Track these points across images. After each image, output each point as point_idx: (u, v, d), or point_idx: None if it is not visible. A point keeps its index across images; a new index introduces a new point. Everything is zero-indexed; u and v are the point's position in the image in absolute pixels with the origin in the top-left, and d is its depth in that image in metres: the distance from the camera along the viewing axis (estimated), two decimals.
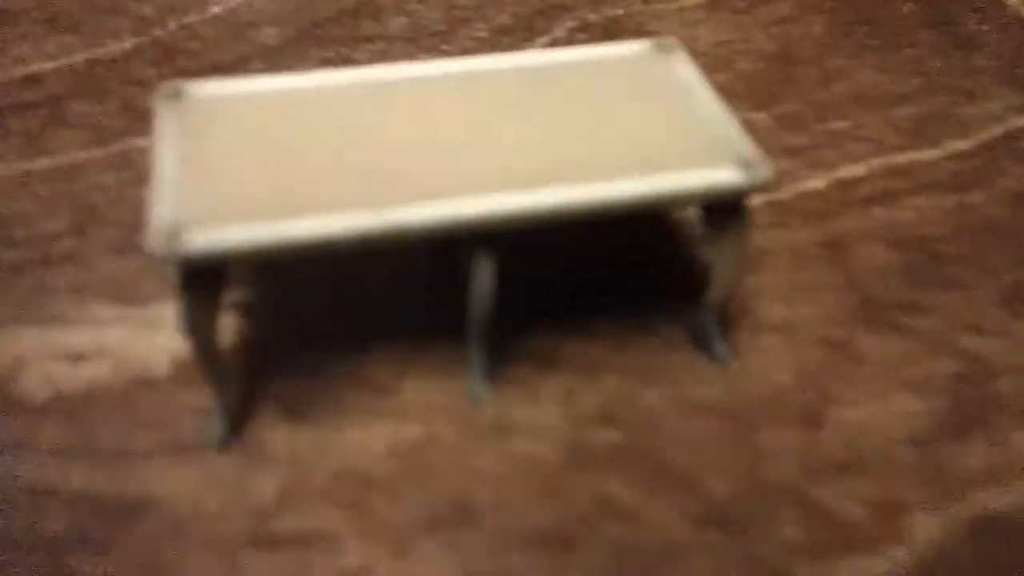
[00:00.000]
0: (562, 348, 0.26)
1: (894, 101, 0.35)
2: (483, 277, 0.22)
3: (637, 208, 0.22)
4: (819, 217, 0.30)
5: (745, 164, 0.22)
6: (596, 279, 0.27)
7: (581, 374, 0.25)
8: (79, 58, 0.37)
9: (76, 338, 0.26)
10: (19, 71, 0.36)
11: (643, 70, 0.25)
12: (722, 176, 0.22)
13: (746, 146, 0.23)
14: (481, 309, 0.23)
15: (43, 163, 0.32)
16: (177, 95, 0.23)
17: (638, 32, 0.39)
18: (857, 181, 0.31)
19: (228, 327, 0.26)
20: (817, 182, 0.31)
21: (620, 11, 0.41)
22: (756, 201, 0.29)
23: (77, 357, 0.25)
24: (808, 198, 0.31)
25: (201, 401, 0.24)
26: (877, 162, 0.32)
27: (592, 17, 0.40)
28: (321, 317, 0.26)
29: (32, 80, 0.36)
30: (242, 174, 0.21)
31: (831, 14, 0.41)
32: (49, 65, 0.37)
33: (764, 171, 0.22)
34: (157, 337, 0.26)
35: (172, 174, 0.21)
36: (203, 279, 0.20)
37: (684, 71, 0.25)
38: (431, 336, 0.26)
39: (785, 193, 0.31)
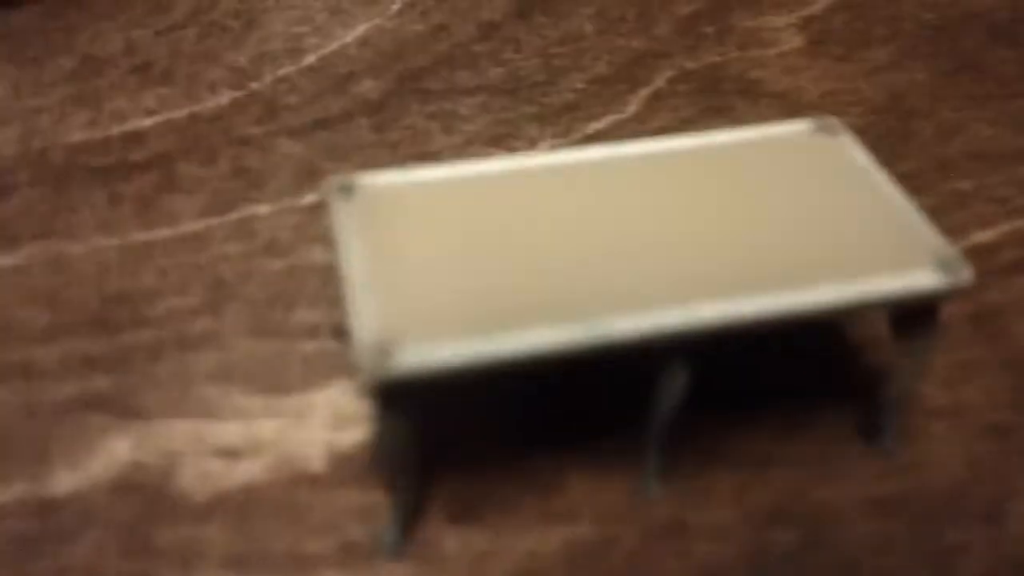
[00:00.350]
0: (728, 441, 0.25)
1: (1014, 157, 0.35)
2: (675, 387, 0.21)
3: (836, 315, 0.21)
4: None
5: (944, 265, 0.21)
6: (757, 370, 0.27)
7: (751, 469, 0.24)
8: (179, 114, 0.36)
9: (227, 431, 0.25)
10: (118, 128, 0.36)
11: (810, 153, 0.25)
12: (921, 279, 0.21)
13: (941, 242, 0.22)
14: (666, 416, 0.22)
15: (162, 233, 0.31)
16: (349, 190, 0.23)
17: (741, 82, 0.38)
18: (992, 247, 0.31)
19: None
20: None
21: (718, 58, 0.40)
22: None
23: (232, 453, 0.25)
24: None
25: (364, 499, 0.24)
26: (1008, 226, 0.32)
27: (690, 65, 0.40)
28: (479, 412, 0.26)
29: (134, 138, 0.35)
30: (436, 279, 0.21)
31: (931, 59, 0.40)
32: (149, 121, 0.36)
33: (965, 273, 0.21)
34: (309, 430, 0.25)
35: (365, 281, 0.20)
36: (405, 397, 0.20)
37: (853, 154, 0.25)
38: (591, 430, 0.25)
39: None
